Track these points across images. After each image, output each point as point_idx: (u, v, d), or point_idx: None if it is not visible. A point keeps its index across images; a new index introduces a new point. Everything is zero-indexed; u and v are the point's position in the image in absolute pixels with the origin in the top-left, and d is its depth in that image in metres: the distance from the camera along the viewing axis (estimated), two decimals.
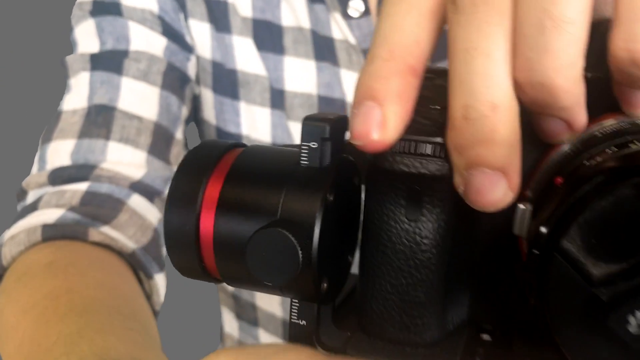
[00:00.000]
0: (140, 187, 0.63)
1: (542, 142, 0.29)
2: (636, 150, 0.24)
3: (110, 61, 0.65)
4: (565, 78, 0.24)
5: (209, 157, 0.32)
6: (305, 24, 0.68)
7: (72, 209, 0.59)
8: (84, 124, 0.63)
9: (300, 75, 0.68)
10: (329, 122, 0.30)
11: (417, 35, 0.26)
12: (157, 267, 0.62)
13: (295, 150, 0.32)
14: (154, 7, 0.67)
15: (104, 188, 0.61)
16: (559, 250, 0.24)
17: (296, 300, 0.32)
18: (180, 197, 0.32)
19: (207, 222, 0.32)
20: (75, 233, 0.57)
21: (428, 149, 0.28)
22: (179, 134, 0.68)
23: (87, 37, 0.68)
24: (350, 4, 0.66)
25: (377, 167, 0.30)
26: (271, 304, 0.74)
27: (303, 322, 0.32)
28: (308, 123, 0.30)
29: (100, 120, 0.63)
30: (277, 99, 0.69)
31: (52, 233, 0.57)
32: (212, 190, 0.32)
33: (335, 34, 0.67)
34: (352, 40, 0.66)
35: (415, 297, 0.30)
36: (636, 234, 0.23)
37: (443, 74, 0.31)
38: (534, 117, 0.27)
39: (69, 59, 0.68)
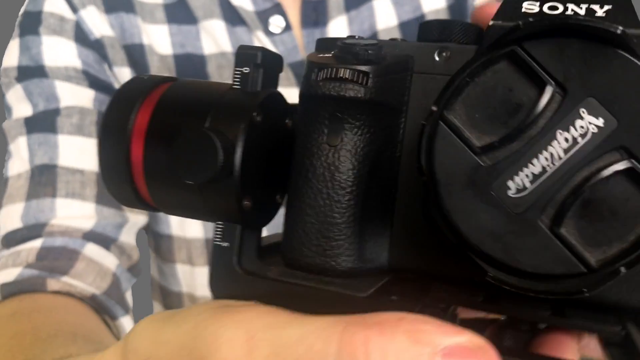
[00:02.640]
0: (93, 237, 0.64)
1: None
2: (508, 28, 0.27)
3: (43, 122, 0.67)
4: None
5: (140, 89, 0.34)
6: (227, 47, 0.70)
7: (29, 265, 0.60)
8: (29, 186, 0.65)
9: None
10: (262, 50, 0.33)
11: None
12: (122, 310, 0.62)
13: (228, 83, 0.34)
14: (77, 63, 0.69)
15: (57, 242, 0.62)
16: (444, 120, 0.27)
17: (221, 223, 0.33)
18: (112, 128, 0.34)
19: (137, 150, 0.33)
20: (34, 286, 0.58)
21: (347, 74, 0.30)
22: None
23: (18, 102, 0.70)
24: (271, 20, 0.69)
25: (305, 95, 0.32)
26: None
27: (226, 244, 0.33)
28: (242, 50, 0.33)
29: (44, 179, 0.65)
30: None
31: (11, 290, 0.58)
32: (142, 119, 0.33)
33: None
34: None
35: (331, 217, 0.31)
36: (510, 104, 0.26)
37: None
38: None
39: (6, 125, 0.70)
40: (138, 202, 0.34)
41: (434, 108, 0.27)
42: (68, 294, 0.59)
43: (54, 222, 0.63)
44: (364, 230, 0.32)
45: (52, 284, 0.58)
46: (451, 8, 0.73)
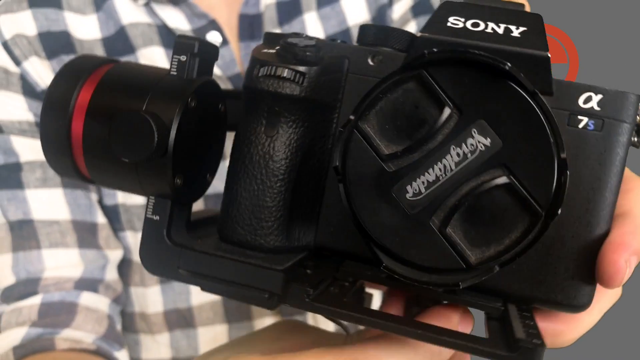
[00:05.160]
0: (84, 284, 0.67)
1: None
2: (420, 54, 0.30)
3: (8, 179, 0.68)
4: None
5: (84, 67, 0.36)
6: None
7: (33, 324, 0.64)
8: (13, 237, 0.67)
9: None
10: (199, 41, 0.36)
11: None
12: (118, 345, 0.67)
13: (166, 68, 0.37)
14: (29, 117, 0.68)
15: (55, 297, 0.66)
16: (358, 128, 0.30)
17: (153, 198, 0.36)
18: (55, 103, 0.36)
19: (78, 126, 0.36)
20: (44, 347, 0.62)
21: (285, 73, 0.33)
22: (100, 219, 0.70)
23: None
24: (208, 36, 0.70)
25: (246, 88, 0.35)
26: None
27: (156, 217, 0.36)
28: (180, 39, 0.36)
29: (25, 233, 0.67)
30: None
31: (23, 352, 0.61)
32: (84, 97, 0.36)
33: None
34: (216, 70, 0.70)
35: (263, 201, 0.35)
36: (415, 119, 0.30)
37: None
38: None
39: None
40: (75, 174, 0.37)
41: (352, 117, 0.31)
42: (75, 350, 0.64)
43: (46, 276, 0.66)
44: (293, 214, 0.35)
45: (61, 343, 0.63)
46: (374, 21, 0.76)
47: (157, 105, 0.34)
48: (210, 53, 0.37)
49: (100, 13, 0.70)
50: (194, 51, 0.35)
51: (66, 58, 0.68)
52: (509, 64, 0.28)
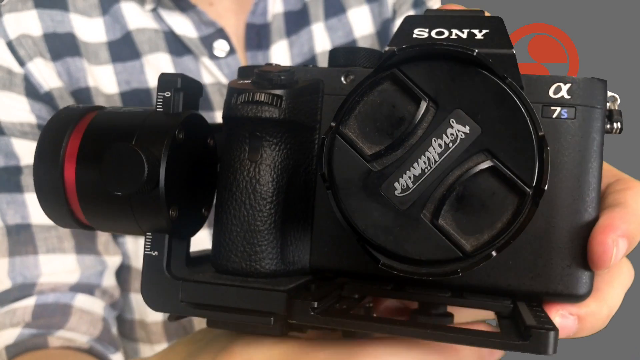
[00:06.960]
0: (80, 288, 0.67)
1: None
2: (390, 53, 0.31)
3: (7, 182, 0.68)
4: None
5: (70, 118, 0.37)
6: None
7: (27, 325, 0.64)
8: (9, 242, 0.67)
9: None
10: (182, 76, 0.37)
11: None
12: (113, 348, 0.67)
13: (151, 108, 0.38)
14: (31, 119, 0.69)
15: (50, 298, 0.66)
16: (340, 134, 0.31)
17: (150, 234, 0.36)
18: (45, 155, 0.37)
19: (70, 173, 0.36)
20: (37, 345, 0.62)
21: (263, 97, 0.34)
22: None
23: None
24: (215, 45, 0.71)
25: (226, 118, 0.35)
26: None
27: (155, 253, 0.36)
28: (163, 77, 0.37)
29: (22, 238, 0.67)
30: None
31: (16, 351, 0.62)
32: (73, 145, 0.37)
33: (206, 79, 0.71)
34: (223, 79, 0.71)
35: (254, 225, 0.35)
36: (394, 117, 0.30)
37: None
38: None
39: None
40: (74, 222, 0.37)
41: (333, 124, 0.31)
42: (68, 348, 0.63)
43: (42, 281, 0.66)
44: (285, 236, 0.36)
45: (53, 341, 0.63)
46: (379, 34, 0.77)
47: (145, 140, 0.35)
48: (195, 87, 0.38)
49: (107, 17, 0.70)
50: (177, 86, 0.36)
51: (70, 60, 0.69)
52: (476, 49, 0.29)
